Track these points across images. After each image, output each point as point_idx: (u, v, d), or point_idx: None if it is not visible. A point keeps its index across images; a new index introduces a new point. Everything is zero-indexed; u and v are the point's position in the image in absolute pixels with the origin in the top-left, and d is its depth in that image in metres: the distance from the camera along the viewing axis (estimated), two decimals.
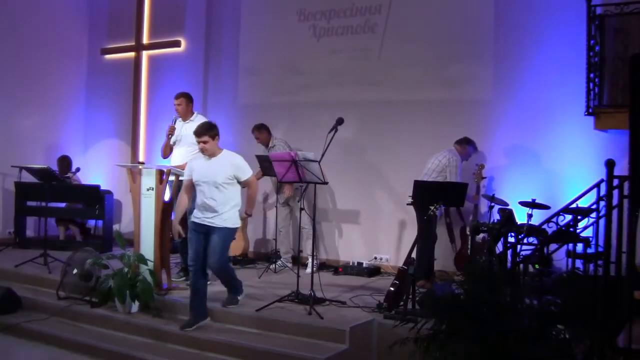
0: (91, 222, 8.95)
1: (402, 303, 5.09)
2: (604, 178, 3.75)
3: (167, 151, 6.46)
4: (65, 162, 8.66)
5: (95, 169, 9.32)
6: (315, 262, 5.73)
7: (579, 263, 5.20)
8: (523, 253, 5.02)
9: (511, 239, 5.27)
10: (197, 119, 6.41)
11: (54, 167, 8.17)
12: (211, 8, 8.84)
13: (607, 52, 5.80)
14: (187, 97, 6.42)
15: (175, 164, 6.26)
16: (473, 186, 6.51)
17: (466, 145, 6.69)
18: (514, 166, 6.80)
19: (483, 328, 3.36)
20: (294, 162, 5.40)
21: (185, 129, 6.34)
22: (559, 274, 5.11)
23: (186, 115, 6.40)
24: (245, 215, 5.68)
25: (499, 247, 5.27)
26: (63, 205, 8.59)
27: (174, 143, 6.40)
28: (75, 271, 5.97)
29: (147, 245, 5.81)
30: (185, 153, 6.28)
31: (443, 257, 6.74)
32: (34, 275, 6.58)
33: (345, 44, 7.84)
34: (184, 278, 6.31)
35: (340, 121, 5.75)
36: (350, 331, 4.76)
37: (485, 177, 6.75)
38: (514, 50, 6.85)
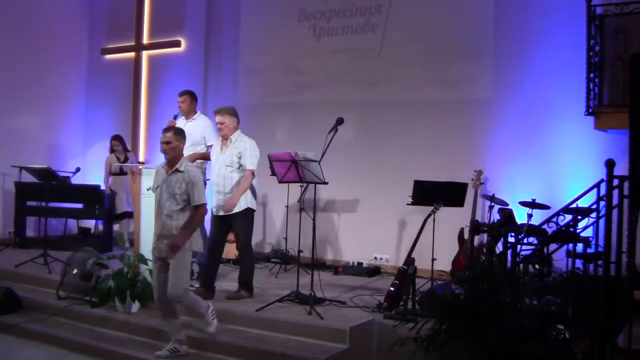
0: (91, 222, 8.95)
1: (402, 303, 5.08)
2: (604, 178, 3.76)
3: None
4: (120, 140, 8.33)
5: (95, 169, 9.32)
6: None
7: (579, 263, 5.19)
8: (523, 253, 5.02)
9: (511, 239, 5.27)
10: (200, 119, 6.42)
11: (53, 166, 8.13)
12: (211, 8, 8.84)
13: (607, 52, 5.80)
14: (192, 95, 6.43)
15: None
16: (471, 192, 6.48)
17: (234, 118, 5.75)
18: (513, 166, 6.79)
19: (483, 328, 3.36)
20: (294, 162, 5.40)
21: (188, 128, 6.33)
22: (559, 274, 5.11)
23: (189, 113, 6.40)
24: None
25: (499, 247, 5.27)
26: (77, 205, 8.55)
27: None
28: (75, 271, 5.97)
29: (147, 245, 5.80)
30: (186, 151, 6.27)
31: (443, 257, 6.73)
32: (34, 275, 6.58)
33: (345, 44, 7.84)
34: None
35: (340, 121, 5.75)
36: (350, 331, 4.76)
37: (483, 183, 6.74)
38: (514, 50, 6.86)
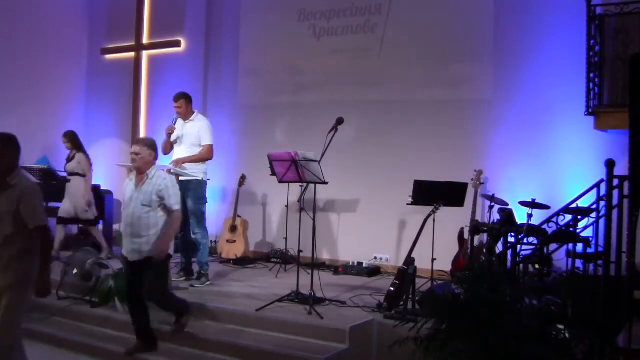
0: None
1: (402, 303, 5.09)
2: (604, 178, 3.76)
3: (168, 148, 6.44)
4: (73, 137, 7.71)
5: (95, 169, 9.27)
6: None
7: (579, 263, 5.19)
8: (523, 253, 5.02)
9: (511, 239, 5.27)
10: (197, 118, 6.41)
11: (53, 166, 8.15)
12: (211, 8, 8.84)
13: (607, 52, 5.80)
14: (187, 98, 6.41)
15: None
16: (471, 192, 6.48)
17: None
18: (514, 166, 6.80)
19: (483, 328, 3.36)
20: (294, 162, 5.40)
21: (186, 129, 6.35)
22: (559, 274, 5.11)
23: (187, 115, 6.39)
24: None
25: (499, 247, 5.27)
26: None
27: (175, 141, 6.40)
28: (75, 271, 5.97)
29: None
30: (186, 152, 6.29)
31: (443, 257, 6.73)
32: None
33: (345, 44, 7.84)
34: (184, 278, 6.32)
35: (340, 121, 5.76)
36: (350, 331, 4.76)
37: (483, 183, 6.74)
38: (514, 50, 6.86)
